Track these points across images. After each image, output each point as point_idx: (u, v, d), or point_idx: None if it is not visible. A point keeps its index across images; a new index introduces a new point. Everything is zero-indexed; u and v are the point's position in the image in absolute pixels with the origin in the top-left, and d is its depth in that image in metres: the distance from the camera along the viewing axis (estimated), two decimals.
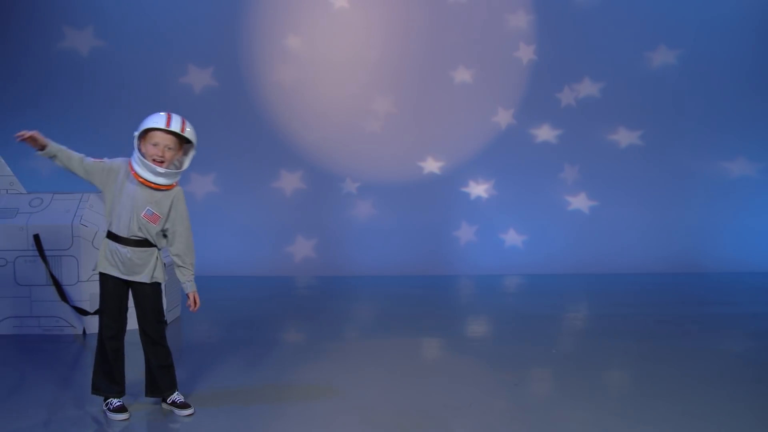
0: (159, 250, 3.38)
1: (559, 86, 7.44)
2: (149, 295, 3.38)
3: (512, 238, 7.56)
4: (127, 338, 3.44)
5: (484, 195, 7.56)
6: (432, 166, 7.54)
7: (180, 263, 3.39)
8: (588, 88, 7.44)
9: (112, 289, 3.33)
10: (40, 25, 7.35)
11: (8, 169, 5.29)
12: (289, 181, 7.51)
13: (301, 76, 7.44)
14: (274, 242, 7.48)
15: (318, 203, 7.52)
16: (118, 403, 3.37)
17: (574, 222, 7.54)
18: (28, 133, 3.21)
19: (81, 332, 4.94)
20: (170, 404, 3.46)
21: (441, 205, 7.54)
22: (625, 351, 4.53)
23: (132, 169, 3.24)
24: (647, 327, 5.13)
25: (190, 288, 3.42)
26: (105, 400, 3.40)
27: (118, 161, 3.31)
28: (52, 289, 4.83)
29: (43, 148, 3.23)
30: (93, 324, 4.81)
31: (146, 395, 3.51)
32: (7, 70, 7.40)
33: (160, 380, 3.44)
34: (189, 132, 3.24)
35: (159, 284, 3.41)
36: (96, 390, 3.40)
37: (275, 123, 7.47)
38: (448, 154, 7.52)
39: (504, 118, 7.47)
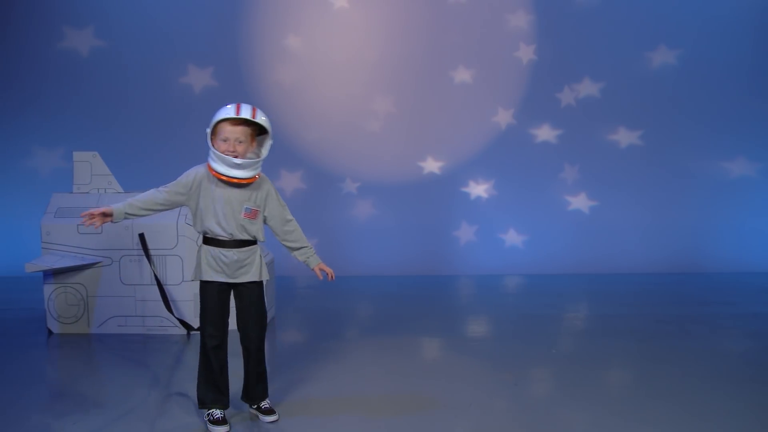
0: (261, 242, 3.29)
1: (559, 86, 7.44)
2: (256, 295, 3.28)
3: (512, 238, 7.56)
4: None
5: (484, 195, 7.56)
6: (432, 166, 7.54)
7: (299, 246, 3.37)
8: (588, 88, 7.44)
9: (217, 296, 3.19)
10: (40, 25, 7.35)
11: (106, 167, 5.24)
12: (289, 181, 7.52)
13: (301, 76, 7.44)
14: (274, 242, 7.46)
15: (318, 203, 7.52)
16: (220, 415, 3.22)
17: (574, 222, 7.54)
18: (93, 217, 3.04)
19: (185, 332, 4.90)
20: (255, 409, 3.38)
21: (441, 205, 7.54)
22: (625, 351, 4.53)
23: (211, 169, 3.11)
24: (647, 327, 5.13)
25: (316, 261, 3.38)
26: (207, 411, 3.26)
27: (197, 169, 3.17)
28: (157, 289, 4.79)
29: (110, 217, 3.08)
30: (196, 324, 4.76)
31: (241, 399, 3.44)
32: (7, 70, 7.40)
33: (258, 387, 3.36)
34: (262, 119, 3.09)
35: (262, 284, 3.32)
36: (203, 404, 3.26)
37: (275, 123, 7.37)
38: (448, 154, 7.52)
39: (504, 118, 7.47)
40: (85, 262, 4.88)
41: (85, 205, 5.02)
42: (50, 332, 5.01)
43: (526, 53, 7.40)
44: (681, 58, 7.37)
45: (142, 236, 4.84)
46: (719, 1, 7.29)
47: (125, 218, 3.15)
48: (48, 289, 4.98)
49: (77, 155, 5.25)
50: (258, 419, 3.35)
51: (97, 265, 4.93)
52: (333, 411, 3.46)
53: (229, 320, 3.31)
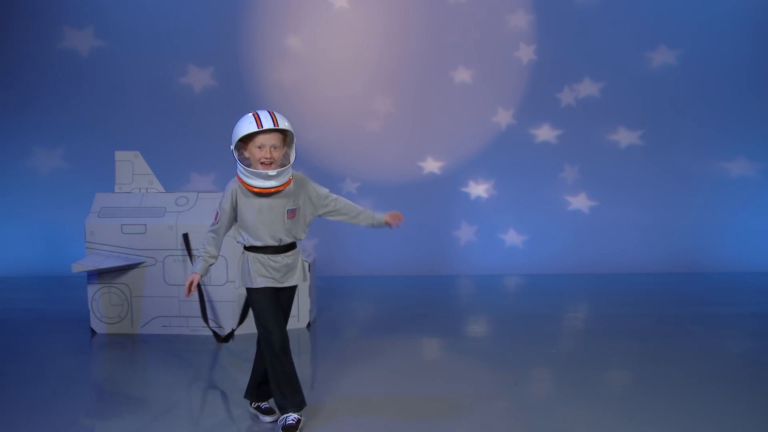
0: (300, 241, 3.34)
1: (559, 86, 7.44)
2: (292, 297, 3.35)
3: (512, 238, 7.56)
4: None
5: (484, 195, 7.56)
6: (432, 166, 7.54)
7: (358, 212, 3.37)
8: (588, 88, 7.44)
9: (272, 299, 3.21)
10: (40, 25, 7.35)
11: (148, 167, 5.21)
12: None
13: (301, 76, 7.44)
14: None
15: None
16: (294, 419, 3.16)
17: (574, 222, 7.54)
18: (190, 287, 3.18)
19: (229, 333, 4.86)
20: (255, 408, 3.40)
21: (441, 205, 7.54)
22: (625, 351, 4.53)
23: (243, 182, 3.11)
24: (647, 327, 5.13)
25: (382, 216, 3.41)
26: (281, 416, 3.20)
27: (230, 187, 3.17)
28: (197, 291, 4.70)
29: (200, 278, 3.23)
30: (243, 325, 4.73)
31: (245, 397, 3.44)
32: (7, 69, 7.40)
33: (268, 385, 3.33)
34: (284, 124, 3.06)
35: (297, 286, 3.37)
36: (284, 410, 3.19)
37: None
38: (448, 154, 7.52)
39: (504, 118, 7.47)
40: (129, 262, 4.83)
41: (128, 205, 4.98)
42: (94, 332, 5.00)
43: (526, 53, 7.41)
44: (681, 58, 7.37)
45: (185, 236, 4.79)
46: (719, 1, 7.29)
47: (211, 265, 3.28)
48: (92, 289, 4.94)
49: (119, 155, 5.20)
50: (258, 419, 3.36)
51: (141, 266, 4.89)
52: (332, 411, 3.46)
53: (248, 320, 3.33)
